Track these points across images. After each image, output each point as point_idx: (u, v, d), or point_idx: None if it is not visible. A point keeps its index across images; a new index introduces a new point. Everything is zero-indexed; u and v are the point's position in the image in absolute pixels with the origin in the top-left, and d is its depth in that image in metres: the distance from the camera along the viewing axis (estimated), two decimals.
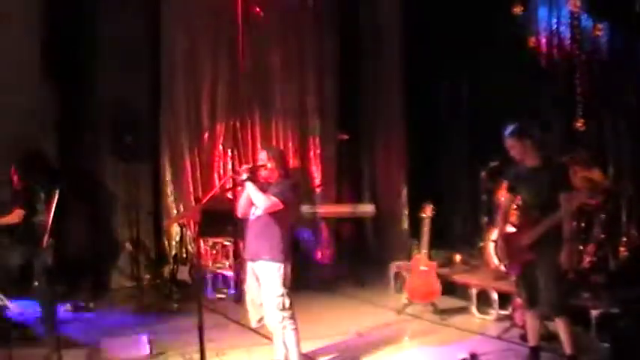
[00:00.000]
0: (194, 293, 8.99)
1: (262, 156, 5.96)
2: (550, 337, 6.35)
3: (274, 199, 5.67)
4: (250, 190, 5.69)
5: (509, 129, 5.93)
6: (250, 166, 5.93)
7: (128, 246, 9.96)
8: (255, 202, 5.72)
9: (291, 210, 5.95)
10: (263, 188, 5.75)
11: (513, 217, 8.20)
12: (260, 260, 5.78)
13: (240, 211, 6.00)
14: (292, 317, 5.80)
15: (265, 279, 5.76)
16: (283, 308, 5.72)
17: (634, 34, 8.19)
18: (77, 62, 10.00)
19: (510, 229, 8.08)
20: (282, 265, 5.73)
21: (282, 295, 5.72)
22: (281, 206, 5.69)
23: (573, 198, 5.75)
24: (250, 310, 6.04)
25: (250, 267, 5.92)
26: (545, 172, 5.75)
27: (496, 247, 8.38)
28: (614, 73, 8.58)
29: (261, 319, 5.97)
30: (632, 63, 8.26)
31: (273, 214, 5.73)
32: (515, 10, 9.47)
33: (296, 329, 5.83)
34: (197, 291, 6.62)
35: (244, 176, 5.70)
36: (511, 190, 6.20)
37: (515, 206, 6.59)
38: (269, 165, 5.80)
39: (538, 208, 5.76)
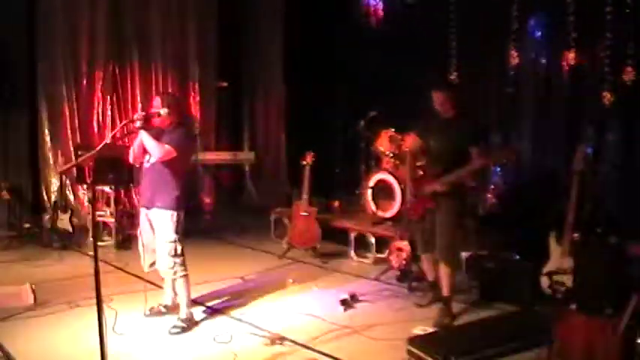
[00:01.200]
0: (75, 241, 9.02)
1: (156, 102, 5.89)
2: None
3: (168, 147, 5.65)
4: (144, 138, 5.64)
5: (437, 84, 6.22)
6: (144, 113, 5.84)
7: (5, 194, 9.70)
8: (149, 150, 5.68)
9: (185, 158, 5.94)
10: (157, 135, 5.73)
11: (389, 165, 8.66)
12: (154, 208, 5.80)
13: (132, 158, 5.94)
14: (183, 264, 5.86)
15: (158, 225, 5.80)
16: (175, 254, 5.79)
17: None
18: None
19: (386, 176, 8.52)
20: (175, 213, 5.76)
21: (175, 242, 5.77)
22: (174, 154, 5.68)
23: (484, 157, 5.96)
24: (142, 256, 6.06)
25: (144, 213, 5.94)
26: (457, 124, 5.99)
27: (373, 193, 8.80)
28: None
29: (152, 264, 6.01)
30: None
31: (168, 162, 5.72)
32: None
33: (186, 276, 5.91)
34: (93, 236, 6.42)
35: (138, 124, 5.63)
36: (421, 134, 6.37)
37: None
38: (162, 112, 5.73)
39: (444, 157, 6.01)
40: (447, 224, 6.02)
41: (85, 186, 9.98)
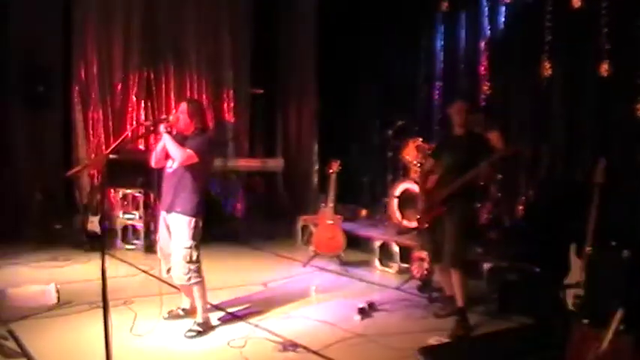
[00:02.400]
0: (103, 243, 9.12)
1: (182, 107, 5.94)
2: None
3: (190, 152, 5.69)
4: (167, 142, 5.70)
5: (461, 98, 6.31)
6: (167, 117, 5.91)
7: (38, 195, 9.88)
8: (172, 153, 5.72)
9: (206, 164, 5.97)
10: (179, 141, 5.77)
11: (415, 174, 8.64)
12: (173, 212, 5.84)
13: (154, 162, 6.00)
14: (198, 270, 5.86)
15: (175, 230, 5.82)
16: (190, 260, 5.79)
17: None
18: None
19: (412, 186, 8.51)
20: (193, 219, 5.79)
21: (190, 248, 5.77)
22: (196, 159, 5.72)
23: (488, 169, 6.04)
24: (161, 260, 6.12)
25: (163, 217, 5.99)
26: (469, 141, 6.13)
27: (399, 202, 8.79)
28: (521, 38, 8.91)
29: (169, 270, 6.02)
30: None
31: (189, 168, 5.75)
32: None
33: (201, 282, 5.92)
34: (101, 239, 6.49)
35: (162, 128, 5.71)
36: (435, 155, 6.48)
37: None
38: (170, 118, 5.83)
39: (456, 170, 6.05)
40: (455, 232, 6.01)
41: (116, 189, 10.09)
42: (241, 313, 6.56)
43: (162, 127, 5.75)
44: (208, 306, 6.15)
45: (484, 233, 7.81)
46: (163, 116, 5.96)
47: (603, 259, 5.52)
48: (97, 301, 6.04)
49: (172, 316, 6.26)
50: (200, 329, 5.90)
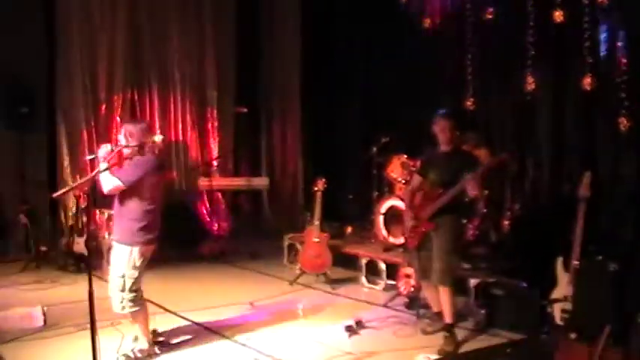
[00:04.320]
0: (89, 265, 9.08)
1: (121, 131, 5.72)
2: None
3: (115, 182, 5.45)
4: (101, 171, 5.34)
5: (442, 111, 6.25)
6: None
7: (23, 217, 9.84)
8: (101, 183, 5.48)
9: (141, 190, 5.58)
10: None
11: (401, 191, 8.67)
12: (113, 240, 5.73)
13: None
14: (133, 300, 5.64)
15: (112, 258, 5.70)
16: (123, 289, 5.60)
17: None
18: None
19: (397, 202, 8.53)
20: (129, 248, 5.58)
21: (123, 277, 5.58)
22: (122, 188, 5.48)
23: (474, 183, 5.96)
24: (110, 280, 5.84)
25: None
26: (455, 157, 6.14)
27: (385, 219, 8.81)
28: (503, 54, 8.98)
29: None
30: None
31: (124, 195, 5.56)
32: None
33: (137, 312, 5.70)
34: (88, 261, 6.44)
35: (99, 156, 5.41)
36: (422, 172, 6.47)
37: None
38: (99, 152, 5.44)
39: (442, 186, 6.07)
40: (443, 249, 6.03)
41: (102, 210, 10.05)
42: (229, 332, 6.53)
43: (100, 153, 5.44)
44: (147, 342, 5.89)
45: (471, 249, 7.83)
46: (120, 141, 5.67)
47: (590, 273, 5.56)
48: (84, 322, 6.01)
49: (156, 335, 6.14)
50: (139, 355, 5.75)
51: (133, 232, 5.56)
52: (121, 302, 5.61)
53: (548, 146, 8.58)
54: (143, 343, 5.81)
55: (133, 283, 5.61)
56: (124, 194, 5.56)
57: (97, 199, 9.26)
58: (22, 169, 10.20)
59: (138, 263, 5.61)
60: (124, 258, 5.58)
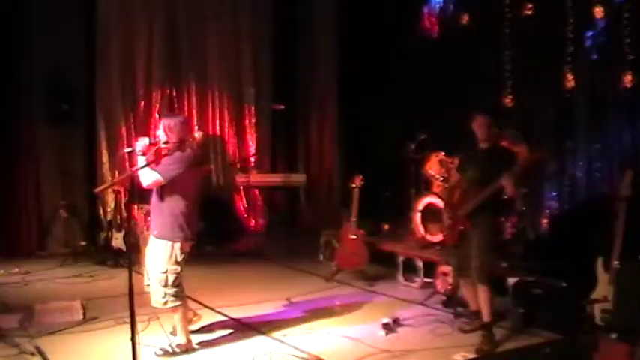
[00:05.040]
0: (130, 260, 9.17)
1: (160, 126, 5.75)
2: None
3: (155, 176, 5.51)
4: (140, 165, 5.46)
5: (483, 112, 6.22)
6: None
7: (62, 212, 9.98)
8: (140, 178, 5.52)
9: (181, 185, 5.63)
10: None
11: (438, 189, 8.62)
12: (151, 235, 5.76)
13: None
14: (175, 295, 5.67)
15: (153, 253, 5.72)
16: (166, 285, 5.62)
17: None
18: (11, 26, 9.93)
19: (434, 200, 8.49)
20: (170, 243, 5.62)
21: (166, 272, 5.61)
22: (161, 182, 5.54)
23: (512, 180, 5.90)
24: (145, 274, 5.88)
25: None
26: (493, 154, 6.11)
27: (422, 217, 8.77)
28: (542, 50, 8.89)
29: (149, 285, 5.84)
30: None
31: (164, 190, 5.60)
32: None
33: (178, 307, 5.74)
34: (128, 256, 6.49)
35: (137, 150, 5.55)
36: (461, 169, 6.47)
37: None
38: (162, 140, 5.57)
39: (480, 184, 6.02)
40: (481, 246, 5.98)
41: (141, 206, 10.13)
42: (265, 328, 6.54)
43: (137, 147, 5.56)
44: (190, 328, 6.01)
45: (508, 247, 7.76)
46: (158, 134, 5.72)
47: (630, 273, 5.48)
48: (123, 316, 6.12)
49: (166, 353, 5.91)
50: (177, 350, 5.78)
51: (174, 227, 5.60)
52: (164, 297, 5.64)
53: (588, 144, 8.46)
54: (181, 338, 5.84)
55: (176, 278, 5.65)
56: (164, 189, 5.60)
57: (136, 194, 9.44)
58: (62, 164, 10.34)
59: (179, 258, 5.65)
60: (165, 253, 5.62)
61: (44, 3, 10.10)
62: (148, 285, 5.78)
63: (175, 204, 5.62)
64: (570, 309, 6.17)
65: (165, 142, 5.61)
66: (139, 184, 5.57)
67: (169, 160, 5.61)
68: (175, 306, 5.71)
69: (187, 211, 5.67)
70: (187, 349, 5.83)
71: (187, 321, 5.95)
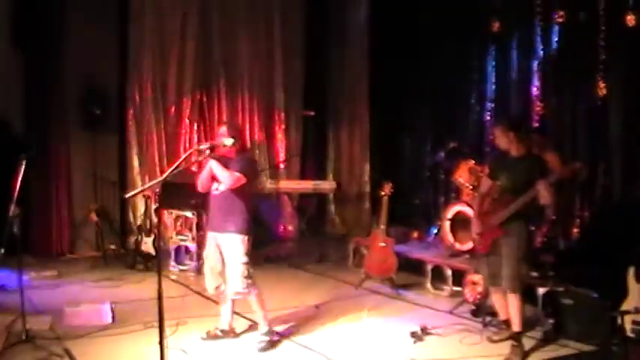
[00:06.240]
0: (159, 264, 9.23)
1: (222, 130, 6.11)
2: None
3: (237, 174, 5.89)
4: (215, 167, 5.91)
5: (498, 121, 6.20)
6: (211, 144, 6.04)
7: (93, 216, 10.07)
8: (221, 178, 5.92)
9: (251, 184, 6.19)
10: (223, 163, 5.95)
11: (468, 197, 8.57)
12: (225, 233, 6.01)
13: (200, 186, 6.20)
14: (254, 283, 6.11)
15: (231, 250, 6.02)
16: (247, 276, 6.00)
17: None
18: (45, 30, 10.01)
19: (464, 208, 8.44)
20: (245, 237, 6.01)
21: (245, 264, 5.99)
22: (244, 181, 5.93)
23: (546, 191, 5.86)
24: (208, 278, 6.27)
25: (213, 237, 6.15)
26: (526, 162, 6.04)
27: (451, 225, 8.72)
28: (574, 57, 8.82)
29: (218, 287, 6.23)
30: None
31: (236, 189, 5.95)
32: None
33: (259, 294, 6.17)
34: (157, 261, 6.62)
35: (207, 152, 5.89)
36: (492, 176, 6.39)
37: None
38: (227, 142, 5.90)
39: (513, 191, 5.99)
40: (513, 255, 5.94)
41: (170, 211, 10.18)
42: (293, 333, 6.58)
43: (207, 153, 5.92)
44: (269, 315, 6.36)
45: (539, 256, 7.68)
46: (221, 137, 6.03)
47: None
48: (152, 320, 6.16)
49: (211, 336, 6.37)
50: (268, 338, 6.17)
51: (247, 222, 6.06)
52: (246, 287, 6.05)
53: (620, 152, 8.38)
54: (263, 327, 6.23)
55: (250, 268, 6.07)
56: (238, 188, 5.97)
57: (167, 199, 9.50)
58: (94, 168, 10.42)
59: (250, 250, 6.08)
60: (241, 247, 6.02)
61: (80, 11, 10.17)
62: (217, 287, 6.22)
63: (246, 201, 6.08)
64: (601, 320, 6.10)
65: (234, 145, 5.97)
66: (202, 185, 6.19)
67: (244, 162, 6.08)
68: (257, 292, 6.17)
69: (252, 208, 6.20)
70: (273, 333, 6.31)
71: (265, 308, 6.32)
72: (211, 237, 6.18)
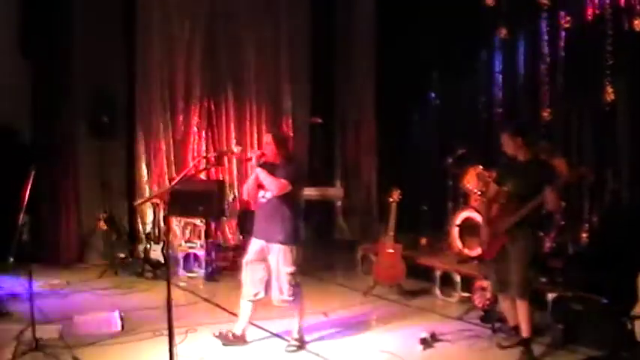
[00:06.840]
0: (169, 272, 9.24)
1: (268, 139, 6.26)
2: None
3: (283, 181, 6.00)
4: (261, 175, 6.05)
5: (506, 127, 6.21)
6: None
7: (102, 224, 10.09)
8: (267, 186, 6.04)
9: (299, 191, 6.32)
10: (269, 171, 6.07)
11: (476, 203, 8.56)
12: (273, 242, 6.10)
13: (246, 194, 6.44)
14: (301, 292, 6.26)
15: (279, 258, 6.11)
16: (295, 284, 6.13)
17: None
18: (53, 40, 10.06)
19: (472, 214, 8.43)
20: (295, 247, 6.14)
21: (294, 273, 6.12)
22: (290, 187, 6.02)
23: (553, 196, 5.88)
24: (247, 285, 6.29)
25: (259, 245, 6.22)
26: (534, 168, 6.05)
27: (460, 231, 8.71)
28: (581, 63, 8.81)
29: (257, 294, 6.26)
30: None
31: (282, 196, 6.04)
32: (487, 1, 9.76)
33: (303, 303, 6.33)
34: (166, 268, 6.65)
35: (253, 161, 6.14)
36: (499, 181, 6.40)
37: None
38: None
39: (520, 197, 5.98)
40: (521, 261, 5.93)
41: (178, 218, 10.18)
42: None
43: (254, 161, 6.15)
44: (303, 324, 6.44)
45: (548, 262, 7.67)
46: (266, 146, 6.27)
47: None
48: (161, 328, 6.15)
49: (222, 336, 6.39)
50: (299, 343, 6.30)
51: (295, 230, 6.17)
52: (293, 295, 6.17)
53: (628, 157, 8.35)
54: (295, 334, 6.36)
55: (297, 277, 6.19)
56: (285, 195, 6.06)
57: (175, 206, 9.51)
58: (102, 177, 10.45)
59: (299, 258, 6.21)
60: (291, 256, 6.12)
61: (88, 22, 10.22)
62: (256, 294, 6.27)
63: (294, 209, 6.16)
64: (611, 325, 6.08)
65: (275, 152, 6.18)
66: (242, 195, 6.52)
67: (291, 169, 6.17)
68: (302, 300, 6.31)
69: (300, 215, 6.28)
70: (303, 340, 6.38)
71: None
72: (256, 244, 6.24)
